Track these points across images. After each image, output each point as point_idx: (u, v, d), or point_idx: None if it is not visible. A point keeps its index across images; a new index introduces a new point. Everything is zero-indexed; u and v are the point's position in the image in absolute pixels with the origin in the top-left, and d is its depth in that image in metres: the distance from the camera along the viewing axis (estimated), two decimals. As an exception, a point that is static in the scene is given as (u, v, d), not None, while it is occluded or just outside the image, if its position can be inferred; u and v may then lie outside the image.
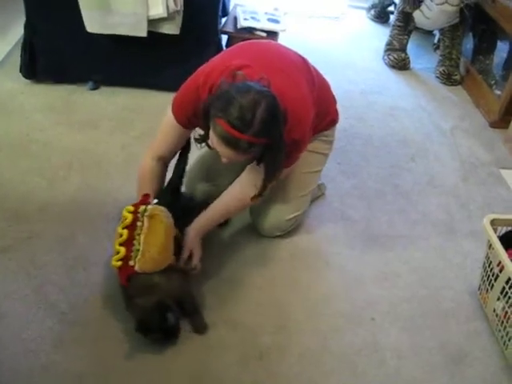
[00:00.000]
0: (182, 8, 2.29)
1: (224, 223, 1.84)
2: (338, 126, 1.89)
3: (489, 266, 1.63)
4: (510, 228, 1.68)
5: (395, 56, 3.12)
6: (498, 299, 1.59)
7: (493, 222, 1.62)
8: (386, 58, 3.17)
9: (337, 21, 3.68)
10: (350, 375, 1.48)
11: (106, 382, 1.39)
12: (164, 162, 1.70)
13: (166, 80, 2.47)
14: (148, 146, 1.71)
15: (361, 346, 1.56)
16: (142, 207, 1.50)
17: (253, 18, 2.71)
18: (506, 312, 1.54)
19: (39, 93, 2.50)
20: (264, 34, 2.65)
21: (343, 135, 2.41)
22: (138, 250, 1.43)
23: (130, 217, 1.48)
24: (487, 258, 1.64)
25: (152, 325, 1.41)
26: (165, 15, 2.23)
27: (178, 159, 1.75)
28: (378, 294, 1.73)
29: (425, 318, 1.66)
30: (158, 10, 2.22)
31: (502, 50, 3.12)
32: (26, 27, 2.39)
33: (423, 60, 3.30)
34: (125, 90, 2.56)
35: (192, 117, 1.56)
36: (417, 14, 2.99)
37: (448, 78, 3.04)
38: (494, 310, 1.61)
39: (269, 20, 2.74)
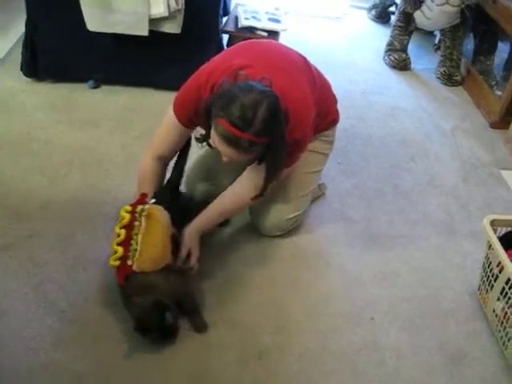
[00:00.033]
0: (183, 7, 2.29)
1: (224, 223, 1.84)
2: (339, 125, 1.89)
3: (488, 266, 1.63)
4: (509, 229, 1.68)
5: (396, 56, 3.12)
6: (498, 299, 1.59)
7: (493, 223, 1.62)
8: (386, 58, 3.17)
9: (338, 21, 3.68)
10: (349, 375, 1.48)
11: (106, 381, 1.39)
12: (164, 161, 1.70)
13: (166, 79, 2.47)
14: (148, 145, 1.71)
15: (360, 346, 1.56)
16: (140, 207, 1.51)
17: (254, 17, 2.71)
18: (506, 312, 1.54)
19: (40, 91, 2.50)
20: (265, 34, 2.65)
21: (344, 135, 2.41)
22: (136, 250, 1.44)
23: (127, 217, 1.48)
24: (487, 258, 1.65)
25: (150, 324, 1.41)
26: (166, 14, 2.23)
27: (177, 158, 1.75)
28: (378, 294, 1.73)
29: (424, 318, 1.67)
30: (159, 9, 2.22)
31: (502, 50, 3.12)
32: (27, 25, 2.39)
33: (424, 60, 3.30)
34: (126, 89, 2.56)
35: (193, 116, 1.56)
36: (418, 15, 2.99)
37: (449, 79, 3.04)
38: (494, 311, 1.62)
39: (270, 20, 2.74)
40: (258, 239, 1.86)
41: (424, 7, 2.92)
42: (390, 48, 3.16)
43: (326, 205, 2.07)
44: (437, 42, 3.42)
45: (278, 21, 2.75)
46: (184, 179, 1.83)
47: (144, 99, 2.53)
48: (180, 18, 2.31)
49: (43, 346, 1.44)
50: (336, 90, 1.84)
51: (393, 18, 3.51)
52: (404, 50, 3.14)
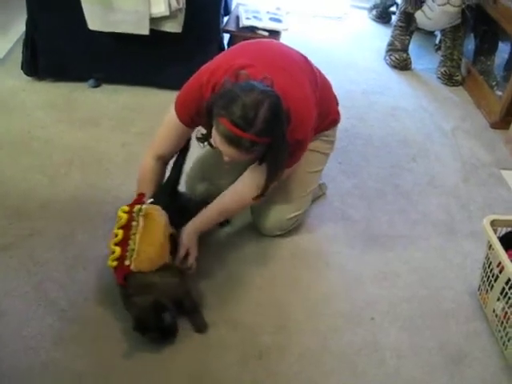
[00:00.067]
0: (184, 6, 2.29)
1: (225, 222, 1.85)
2: (340, 125, 1.89)
3: (489, 266, 1.63)
4: (510, 229, 1.68)
5: (397, 56, 3.12)
6: (498, 300, 1.59)
7: (493, 223, 1.62)
8: (387, 58, 3.17)
9: (339, 21, 3.68)
10: (349, 375, 1.48)
11: (106, 381, 1.39)
12: (164, 161, 1.70)
13: (167, 78, 2.47)
14: (149, 144, 1.70)
15: (360, 346, 1.56)
16: (137, 207, 1.51)
17: (255, 17, 2.71)
18: (506, 312, 1.54)
19: (40, 90, 2.50)
20: (266, 34, 2.65)
21: (344, 135, 2.41)
22: (134, 250, 1.44)
23: (124, 217, 1.48)
24: (487, 258, 1.65)
25: (149, 324, 1.41)
26: (167, 13, 2.23)
27: (177, 158, 1.75)
28: (378, 294, 1.73)
29: (424, 318, 1.67)
30: (160, 8, 2.22)
31: (503, 50, 3.13)
32: (27, 24, 2.39)
33: (425, 60, 3.30)
34: (126, 88, 2.56)
35: (195, 115, 1.56)
36: (418, 15, 2.99)
37: (449, 79, 3.04)
38: (494, 311, 1.62)
39: (271, 19, 2.73)
40: (258, 239, 1.86)
41: (425, 7, 2.92)
42: (391, 48, 3.16)
43: (326, 204, 2.07)
44: (437, 42, 3.42)
45: (279, 20, 2.75)
46: (184, 179, 1.83)
47: (144, 98, 2.53)
48: (181, 17, 2.31)
49: (43, 345, 1.44)
50: (337, 89, 1.84)
51: (394, 17, 3.51)
52: (405, 49, 3.14)
